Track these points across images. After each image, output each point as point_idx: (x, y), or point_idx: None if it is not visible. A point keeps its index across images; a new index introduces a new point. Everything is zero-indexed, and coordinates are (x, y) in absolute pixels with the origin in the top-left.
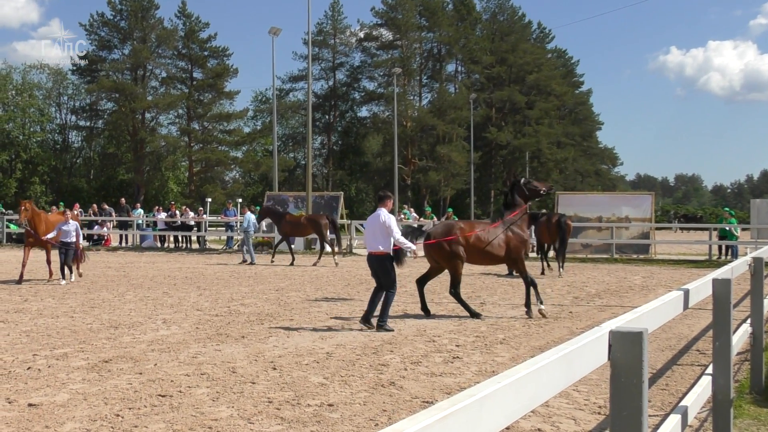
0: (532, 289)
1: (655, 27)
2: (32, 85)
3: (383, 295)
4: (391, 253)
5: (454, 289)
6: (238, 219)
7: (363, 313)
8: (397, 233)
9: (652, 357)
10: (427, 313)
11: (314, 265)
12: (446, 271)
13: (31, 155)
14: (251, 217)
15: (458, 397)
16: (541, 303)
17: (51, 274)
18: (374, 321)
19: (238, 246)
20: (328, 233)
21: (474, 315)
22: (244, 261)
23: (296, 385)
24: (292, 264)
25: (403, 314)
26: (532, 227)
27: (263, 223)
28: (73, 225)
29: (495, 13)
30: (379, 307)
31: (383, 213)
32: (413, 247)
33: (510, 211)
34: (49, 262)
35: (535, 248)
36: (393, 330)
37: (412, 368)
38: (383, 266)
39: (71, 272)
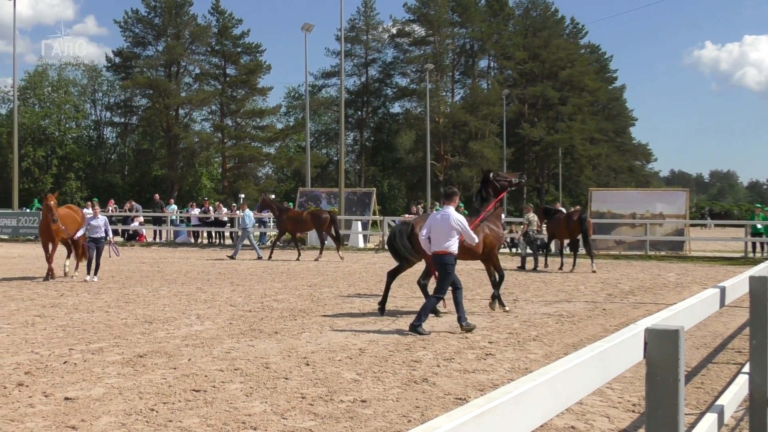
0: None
1: (689, 22)
2: (68, 82)
3: (454, 295)
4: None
5: (423, 281)
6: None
7: (456, 317)
8: (471, 233)
9: (687, 355)
10: (382, 311)
11: (316, 260)
12: (475, 267)
13: (66, 151)
14: (250, 213)
15: (494, 395)
16: (501, 303)
17: (51, 272)
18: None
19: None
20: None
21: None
22: (260, 257)
23: (329, 380)
24: (297, 259)
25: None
26: (544, 222)
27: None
28: (102, 220)
29: (528, 8)
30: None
31: (453, 211)
32: (477, 240)
33: (484, 207)
34: (51, 259)
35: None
36: (428, 333)
37: (444, 365)
38: (446, 267)
39: (96, 270)
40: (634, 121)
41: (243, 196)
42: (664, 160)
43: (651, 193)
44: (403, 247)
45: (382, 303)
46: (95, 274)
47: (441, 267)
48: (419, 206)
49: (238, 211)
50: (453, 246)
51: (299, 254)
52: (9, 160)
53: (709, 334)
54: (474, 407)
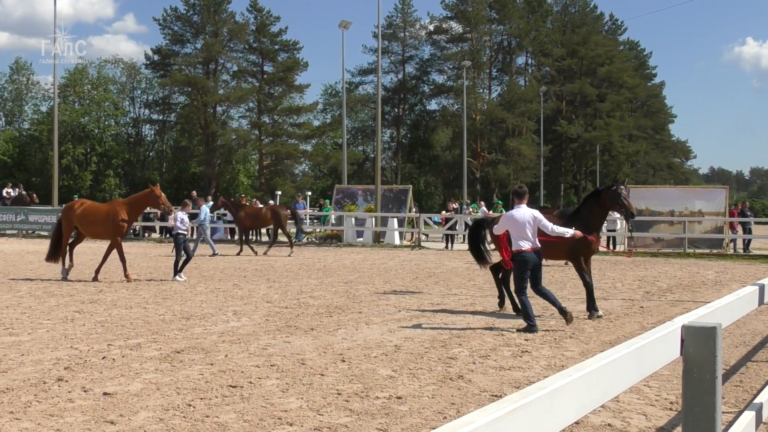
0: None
1: (730, 18)
2: (107, 80)
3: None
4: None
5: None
6: (307, 212)
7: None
8: (552, 226)
9: (726, 353)
10: (501, 305)
11: (265, 254)
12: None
13: (105, 148)
14: (206, 209)
15: (529, 390)
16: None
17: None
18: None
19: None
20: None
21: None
22: (215, 254)
23: (365, 377)
24: (239, 254)
25: (471, 308)
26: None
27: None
28: (182, 214)
29: (566, 5)
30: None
31: (528, 209)
32: (571, 231)
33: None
34: (70, 253)
35: None
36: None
37: (480, 362)
38: (538, 264)
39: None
40: (673, 118)
41: (280, 193)
42: (703, 158)
43: (690, 191)
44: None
45: (501, 298)
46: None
47: (538, 264)
48: (454, 204)
49: (304, 209)
50: (536, 242)
51: (241, 250)
52: (49, 157)
53: (749, 332)
54: (509, 402)
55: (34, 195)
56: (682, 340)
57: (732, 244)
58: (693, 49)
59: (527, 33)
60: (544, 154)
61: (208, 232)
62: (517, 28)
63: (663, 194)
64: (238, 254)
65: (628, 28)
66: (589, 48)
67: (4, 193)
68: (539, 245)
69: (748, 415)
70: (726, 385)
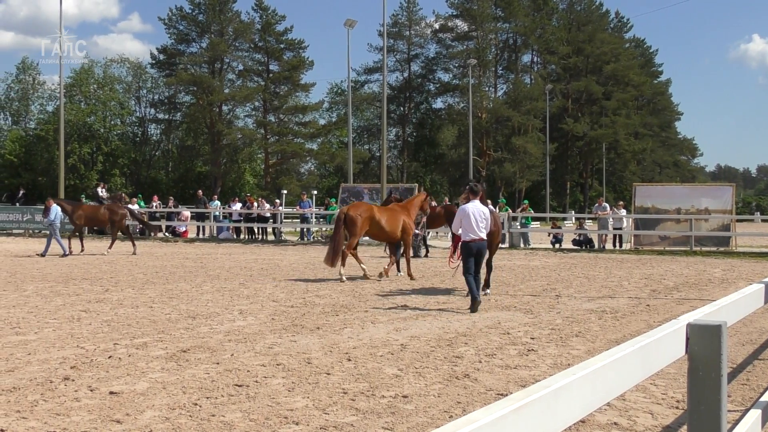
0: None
1: (736, 15)
2: (113, 79)
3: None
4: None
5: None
6: (313, 210)
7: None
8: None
9: (733, 351)
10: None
11: (107, 252)
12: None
13: (111, 148)
14: (57, 209)
15: (533, 389)
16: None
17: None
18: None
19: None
20: (126, 223)
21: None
22: (66, 254)
23: (371, 376)
24: (81, 252)
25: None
26: None
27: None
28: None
29: (572, 2)
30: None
31: (481, 205)
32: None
33: None
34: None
35: None
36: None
37: (486, 360)
38: (483, 251)
39: None
40: (679, 116)
41: (286, 192)
42: (710, 155)
43: (696, 188)
44: None
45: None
46: None
47: (480, 252)
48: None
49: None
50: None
51: (83, 248)
52: (55, 156)
53: (756, 330)
54: (513, 401)
55: (125, 196)
56: (688, 339)
57: None
58: (699, 47)
59: (533, 31)
60: (550, 152)
61: (58, 231)
62: (523, 26)
63: (669, 192)
64: (81, 252)
65: (633, 25)
66: (595, 46)
67: (100, 193)
68: (485, 237)
69: (755, 414)
70: (733, 384)
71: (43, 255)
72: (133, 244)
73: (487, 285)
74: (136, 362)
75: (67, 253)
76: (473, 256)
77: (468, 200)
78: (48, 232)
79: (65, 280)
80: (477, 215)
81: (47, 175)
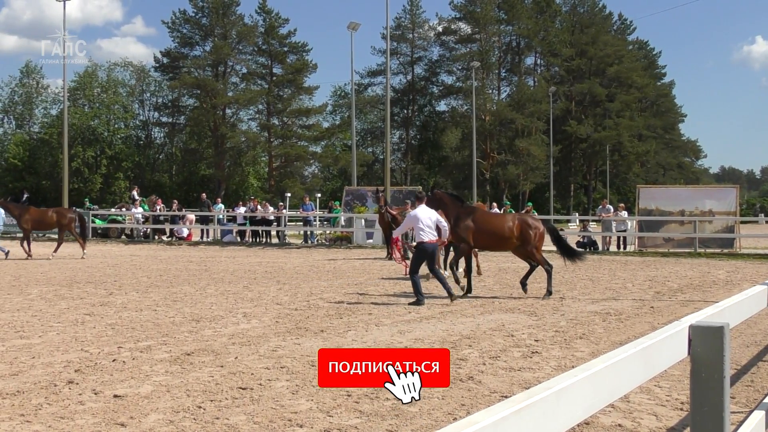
0: None
1: (739, 17)
2: (116, 83)
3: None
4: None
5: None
6: (316, 213)
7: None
8: (446, 224)
9: (737, 353)
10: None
11: (52, 255)
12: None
13: (115, 151)
14: (2, 211)
15: (535, 390)
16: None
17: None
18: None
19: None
20: (75, 228)
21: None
22: (6, 254)
23: None
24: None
25: (480, 309)
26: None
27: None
28: None
29: (575, 5)
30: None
31: (428, 209)
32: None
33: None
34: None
35: None
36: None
37: (490, 363)
38: (436, 252)
39: None
40: (683, 118)
41: (289, 195)
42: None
43: (700, 190)
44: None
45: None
46: None
47: (432, 254)
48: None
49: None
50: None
51: (29, 254)
52: (59, 160)
53: (760, 331)
54: (514, 402)
55: (159, 199)
56: (690, 340)
57: None
58: (702, 48)
59: (536, 33)
60: (553, 155)
61: None
62: (526, 29)
63: (673, 194)
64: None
65: (637, 27)
66: (598, 48)
67: (135, 196)
68: (435, 239)
69: (758, 415)
70: (737, 385)
71: (6, 255)
72: (83, 246)
73: (548, 293)
74: (140, 365)
75: (5, 253)
76: (426, 257)
77: (415, 207)
78: None
79: (69, 283)
80: (426, 219)
81: (51, 179)
